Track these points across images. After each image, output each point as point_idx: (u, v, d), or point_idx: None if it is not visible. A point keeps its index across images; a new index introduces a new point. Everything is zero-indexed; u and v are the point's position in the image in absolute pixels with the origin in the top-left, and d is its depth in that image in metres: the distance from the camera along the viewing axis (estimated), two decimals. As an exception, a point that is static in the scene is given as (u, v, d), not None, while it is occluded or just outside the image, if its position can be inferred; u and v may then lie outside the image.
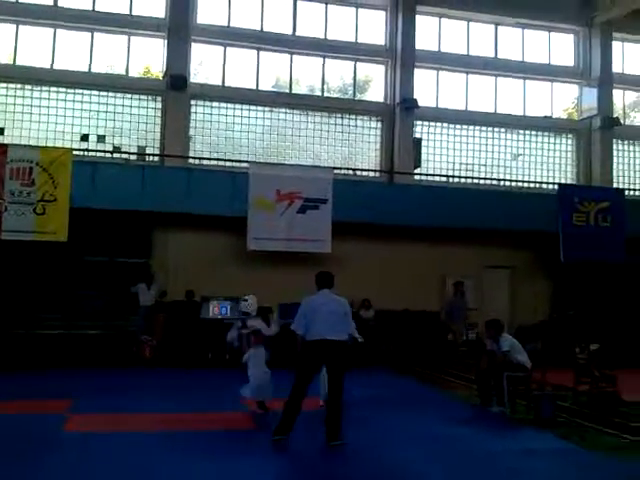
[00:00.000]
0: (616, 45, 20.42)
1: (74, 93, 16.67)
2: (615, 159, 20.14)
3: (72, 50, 16.89)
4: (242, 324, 9.69)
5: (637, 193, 19.91)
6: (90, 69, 16.93)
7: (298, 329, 7.76)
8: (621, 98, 20.98)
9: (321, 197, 15.76)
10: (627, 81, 20.72)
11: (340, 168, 17.70)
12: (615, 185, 19.66)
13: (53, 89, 16.58)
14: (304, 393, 7.64)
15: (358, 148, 18.56)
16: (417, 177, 18.33)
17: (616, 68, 20.35)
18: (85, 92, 16.72)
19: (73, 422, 8.64)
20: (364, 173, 18.33)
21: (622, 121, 20.18)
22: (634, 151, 20.62)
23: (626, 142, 20.51)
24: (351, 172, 18.11)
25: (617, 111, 20.56)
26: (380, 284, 15.85)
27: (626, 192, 18.61)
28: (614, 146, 20.12)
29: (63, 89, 16.62)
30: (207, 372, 13.51)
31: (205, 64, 18.10)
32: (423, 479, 6.68)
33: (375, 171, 18.51)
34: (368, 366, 10.44)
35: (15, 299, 14.48)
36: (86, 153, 16.16)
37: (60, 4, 16.80)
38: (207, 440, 7.89)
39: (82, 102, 16.70)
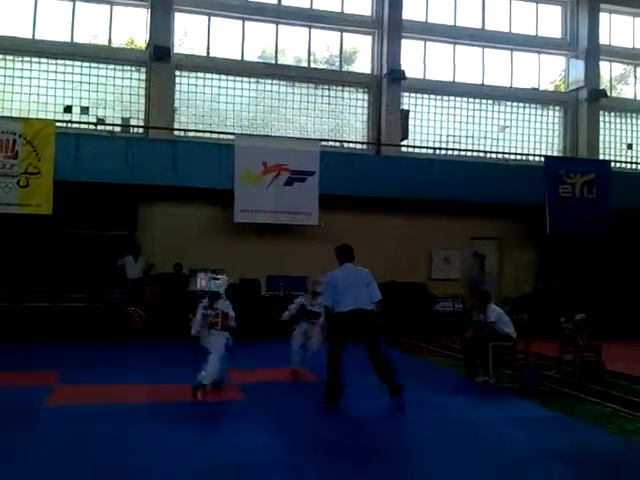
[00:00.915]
0: (603, 17, 20.32)
1: (56, 64, 16.41)
2: (601, 131, 20.18)
3: (54, 20, 16.57)
4: (209, 304, 8.91)
5: (623, 165, 20.00)
6: (72, 39, 16.65)
7: (327, 302, 8.14)
8: (608, 70, 20.95)
9: (308, 169, 15.70)
10: (614, 53, 20.66)
11: (327, 140, 17.63)
12: (601, 157, 19.73)
13: (35, 60, 16.31)
14: (339, 360, 8.06)
15: (345, 120, 18.45)
16: (404, 149, 18.28)
17: (603, 40, 20.28)
18: (68, 63, 16.46)
19: (59, 393, 8.66)
20: (351, 145, 18.25)
21: (609, 93, 20.19)
22: (620, 123, 20.65)
23: (612, 114, 20.53)
24: (338, 144, 18.02)
25: (604, 83, 20.55)
26: (367, 256, 15.63)
27: (612, 164, 18.67)
28: (601, 118, 20.15)
29: (45, 60, 16.35)
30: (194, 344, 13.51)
31: (189, 34, 17.83)
32: (409, 448, 6.74)
33: (362, 143, 18.44)
34: (355, 337, 10.46)
35: (1, 273, 14.39)
36: (69, 125, 15.97)
37: (41, -28, 16.47)
38: (194, 410, 7.93)
39: (65, 73, 16.45)
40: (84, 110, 16.52)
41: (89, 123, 16.37)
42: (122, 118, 16.79)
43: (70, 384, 9.23)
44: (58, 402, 8.22)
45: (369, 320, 8.09)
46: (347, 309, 8.02)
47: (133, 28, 17.31)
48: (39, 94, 16.24)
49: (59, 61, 16.41)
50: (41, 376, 9.65)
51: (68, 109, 16.36)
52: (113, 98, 16.72)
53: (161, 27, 16.72)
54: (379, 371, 8.12)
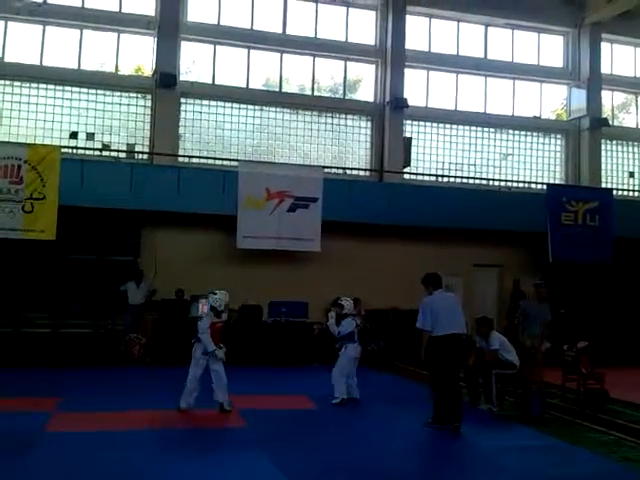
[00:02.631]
0: (605, 46, 20.52)
1: (63, 90, 16.59)
2: (603, 159, 20.27)
3: (61, 47, 16.80)
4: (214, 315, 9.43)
5: (625, 193, 20.04)
6: (79, 66, 16.85)
7: (425, 326, 8.46)
8: (610, 99, 21.10)
9: (311, 196, 15.76)
10: (615, 82, 20.83)
11: (330, 167, 17.71)
12: (603, 185, 19.77)
13: (42, 86, 16.49)
14: (455, 378, 8.54)
15: (348, 147, 18.58)
16: (407, 176, 18.36)
17: (605, 69, 20.45)
18: (74, 89, 16.65)
19: (58, 420, 8.59)
20: (354, 172, 18.35)
21: (610, 122, 20.30)
22: (622, 151, 20.75)
23: (614, 142, 20.63)
24: (341, 171, 18.12)
25: (606, 112, 20.68)
26: (369, 283, 15.85)
27: (614, 192, 18.70)
28: (602, 146, 20.24)
29: (52, 86, 16.54)
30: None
31: (195, 62, 18.05)
32: (411, 476, 6.67)
33: (365, 170, 18.53)
34: (358, 365, 10.44)
35: (3, 297, 14.40)
36: (75, 151, 16.08)
37: (50, 1, 16.69)
38: (193, 438, 7.87)
39: (71, 99, 16.62)
40: (90, 136, 16.66)
41: (94, 149, 16.50)
42: (127, 144, 16.93)
43: (71, 411, 9.17)
44: (58, 428, 8.17)
45: (462, 344, 8.63)
46: (446, 332, 8.39)
47: (140, 55, 17.52)
48: (45, 120, 16.40)
49: (66, 87, 16.60)
50: (41, 402, 9.59)
51: (74, 135, 16.51)
52: (119, 124, 16.88)
53: (167, 55, 16.92)
54: (454, 396, 8.49)
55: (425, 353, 8.44)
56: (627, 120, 21.63)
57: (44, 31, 16.68)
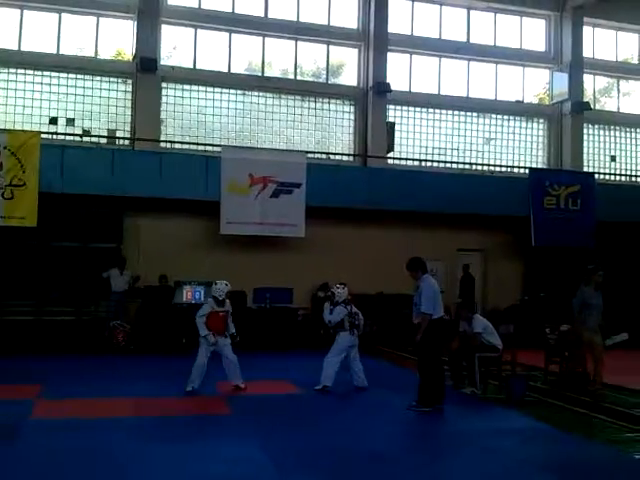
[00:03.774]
0: (587, 30, 20.55)
1: (42, 75, 16.35)
2: (585, 143, 20.36)
3: (40, 32, 16.53)
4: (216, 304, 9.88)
5: (607, 177, 20.18)
6: (59, 51, 16.61)
7: (430, 309, 8.63)
8: (592, 83, 21.18)
9: (295, 181, 15.70)
10: (597, 66, 20.90)
11: (314, 152, 17.66)
12: (585, 169, 19.88)
13: (21, 71, 16.25)
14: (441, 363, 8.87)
15: (332, 132, 18.52)
16: (390, 161, 18.35)
17: (587, 53, 20.51)
18: (54, 74, 16.41)
19: (42, 407, 8.55)
20: (338, 157, 18.30)
21: (592, 106, 20.38)
22: (604, 135, 20.86)
23: (596, 126, 20.73)
24: (325, 156, 18.07)
25: (587, 96, 20.76)
26: (354, 268, 15.86)
27: (596, 176, 18.82)
28: (584, 130, 20.33)
29: (31, 71, 16.29)
30: (181, 357, 13.43)
31: (176, 47, 17.84)
32: (395, 460, 6.71)
33: (349, 155, 18.49)
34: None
35: (-17, 285, 14.28)
36: (55, 136, 15.88)
37: (27, -16, 16.43)
38: (178, 425, 7.87)
39: (50, 85, 16.39)
40: (70, 122, 16.46)
41: (75, 135, 16.31)
42: (108, 130, 16.75)
43: (54, 398, 9.14)
44: (42, 416, 8.13)
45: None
46: (440, 315, 8.77)
47: (120, 40, 17.29)
48: (24, 105, 16.18)
49: (45, 72, 16.36)
50: (25, 390, 9.55)
51: (54, 121, 16.29)
52: (99, 110, 16.68)
53: (148, 39, 16.70)
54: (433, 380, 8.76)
55: (423, 337, 8.57)
56: (609, 104, 21.72)
57: (22, 15, 16.39)
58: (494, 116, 19.93)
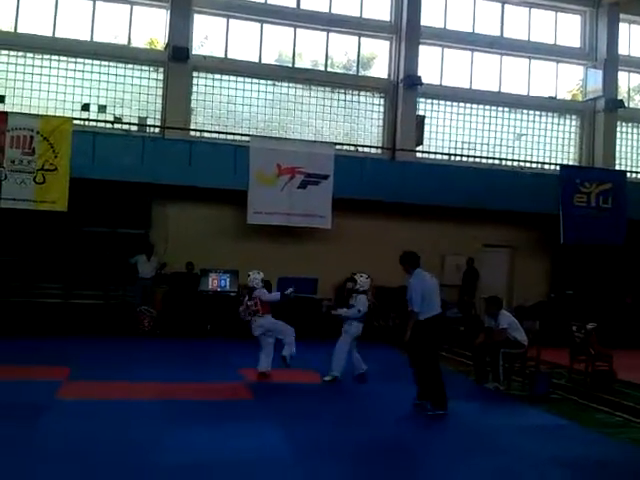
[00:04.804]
0: (622, 27, 20.18)
1: (75, 62, 16.52)
2: (618, 141, 20.04)
3: (74, 19, 16.71)
4: (248, 297, 10.06)
5: (639, 176, 19.85)
6: (92, 38, 16.78)
7: (416, 307, 8.12)
8: (626, 80, 20.82)
9: (322, 173, 15.71)
10: (632, 63, 20.54)
11: (342, 144, 17.63)
12: (617, 167, 19.59)
13: (54, 58, 16.43)
14: (437, 360, 8.38)
15: (360, 124, 18.45)
16: (419, 155, 18.26)
17: (622, 50, 20.15)
18: (87, 61, 16.57)
19: (69, 388, 8.69)
20: (366, 149, 18.24)
21: (626, 104, 20.06)
22: (637, 134, 20.50)
23: (630, 125, 20.41)
24: (353, 148, 18.03)
25: (622, 93, 20.43)
26: (378, 261, 15.77)
27: (628, 174, 18.56)
28: (617, 128, 20.01)
29: (64, 58, 16.47)
30: (206, 343, 13.59)
31: (208, 36, 17.92)
32: (418, 454, 6.71)
33: (377, 147, 18.43)
34: (366, 342, 10.45)
35: (14, 268, 14.52)
36: (87, 123, 16.09)
37: (62, -28, 16.62)
38: (202, 409, 7.95)
39: (83, 72, 16.56)
40: (101, 109, 16.62)
41: (106, 121, 16.46)
42: (139, 117, 16.88)
43: (81, 379, 9.28)
44: (68, 396, 8.27)
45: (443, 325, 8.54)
46: (434, 313, 8.21)
47: (153, 28, 17.42)
48: (57, 92, 16.36)
49: (78, 59, 16.53)
50: (53, 371, 9.72)
51: (86, 107, 16.46)
52: (131, 97, 16.83)
53: (180, 28, 16.82)
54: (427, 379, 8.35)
55: (411, 335, 8.10)
56: (643, 102, 21.37)
57: (57, 2, 16.57)
58: (525, 112, 19.69)
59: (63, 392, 8.46)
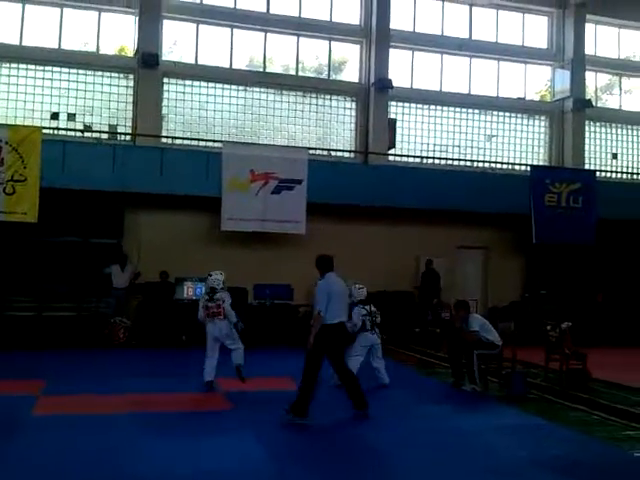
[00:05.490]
0: (589, 27, 20.48)
1: (44, 70, 16.30)
2: (587, 141, 20.29)
3: (41, 26, 16.50)
4: (208, 297, 9.77)
5: (608, 175, 20.16)
6: (60, 46, 16.58)
7: (322, 307, 7.85)
8: (593, 80, 21.13)
9: (296, 178, 15.70)
10: (599, 63, 20.84)
11: (315, 148, 17.64)
12: (587, 167, 19.84)
13: (22, 66, 16.20)
14: (318, 374, 7.89)
15: (333, 128, 18.48)
16: (391, 158, 18.33)
17: (589, 50, 20.43)
18: (55, 69, 16.37)
19: (43, 404, 8.56)
20: (339, 154, 18.28)
21: (594, 103, 20.34)
22: (606, 133, 20.80)
23: (598, 124, 20.68)
24: (326, 152, 18.05)
25: (589, 93, 20.71)
26: (355, 265, 15.80)
27: (597, 174, 18.82)
28: (586, 128, 20.26)
29: (32, 66, 16.24)
30: (181, 353, 13.47)
31: (178, 42, 17.82)
32: (396, 457, 6.72)
33: (350, 151, 18.47)
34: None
35: (-16, 280, 14.29)
36: (56, 132, 15.89)
37: (28, -21, 16.42)
38: (178, 421, 7.88)
39: (52, 79, 16.34)
40: (71, 117, 16.42)
41: (76, 130, 16.28)
42: (109, 125, 16.72)
43: (56, 394, 9.15)
44: (45, 412, 8.15)
45: (346, 333, 8.11)
46: (337, 320, 7.92)
47: (121, 35, 17.26)
48: (26, 101, 16.12)
49: (46, 67, 16.31)
50: (27, 385, 9.56)
51: (55, 116, 16.25)
52: (100, 105, 16.64)
53: (149, 34, 16.67)
54: (352, 383, 8.14)
55: (315, 340, 7.80)
56: (611, 101, 21.68)
57: (23, 10, 16.36)
58: (495, 113, 19.88)
59: (38, 407, 8.34)
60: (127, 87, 16.83)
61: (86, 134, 16.34)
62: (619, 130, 20.93)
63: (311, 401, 7.76)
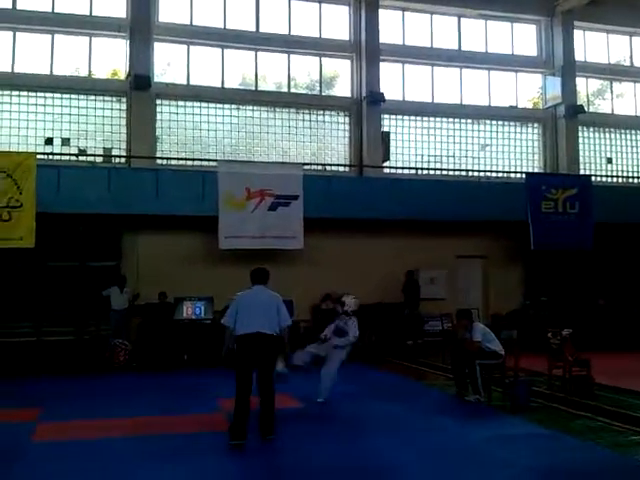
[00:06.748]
0: (578, 34, 20.65)
1: (36, 96, 16.38)
2: (581, 146, 20.38)
3: (33, 53, 16.59)
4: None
5: (603, 179, 20.19)
6: (52, 72, 16.66)
7: (227, 322, 7.77)
8: (584, 86, 21.23)
9: (292, 194, 15.70)
10: (590, 69, 20.97)
11: (309, 164, 17.69)
12: (582, 172, 19.88)
13: (15, 93, 16.28)
14: (248, 391, 7.55)
15: (327, 143, 18.55)
16: (386, 170, 18.37)
17: (578, 57, 20.58)
18: (48, 95, 16.44)
19: (43, 430, 8.46)
20: (333, 168, 18.31)
21: (586, 109, 20.42)
22: (599, 138, 20.89)
23: (591, 129, 20.77)
24: (321, 167, 18.08)
25: (581, 99, 20.81)
26: (353, 278, 15.78)
27: (593, 178, 18.84)
28: (579, 133, 20.36)
29: (25, 92, 16.32)
30: (183, 374, 13.40)
31: (169, 63, 17.91)
32: (402, 470, 6.66)
33: (344, 165, 18.50)
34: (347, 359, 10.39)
35: (-17, 308, 14.23)
36: (51, 157, 15.90)
37: (19, 7, 16.49)
38: (181, 443, 7.78)
39: (45, 105, 16.42)
40: (65, 142, 16.48)
41: (70, 154, 16.32)
42: (104, 148, 16.77)
43: (57, 420, 9.06)
44: (43, 438, 8.06)
45: (267, 346, 7.62)
46: (247, 331, 7.59)
47: (113, 58, 17.34)
48: (19, 127, 16.19)
49: (39, 94, 16.39)
50: (26, 413, 9.44)
51: (49, 141, 16.31)
52: (94, 129, 16.71)
53: (141, 57, 16.77)
54: (264, 415, 7.66)
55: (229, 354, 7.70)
56: (603, 106, 21.78)
57: (14, 37, 16.45)
58: (488, 122, 19.97)
59: (37, 434, 8.24)
60: (120, 110, 16.90)
61: (81, 158, 16.39)
62: (612, 134, 21.03)
63: (245, 421, 7.41)
